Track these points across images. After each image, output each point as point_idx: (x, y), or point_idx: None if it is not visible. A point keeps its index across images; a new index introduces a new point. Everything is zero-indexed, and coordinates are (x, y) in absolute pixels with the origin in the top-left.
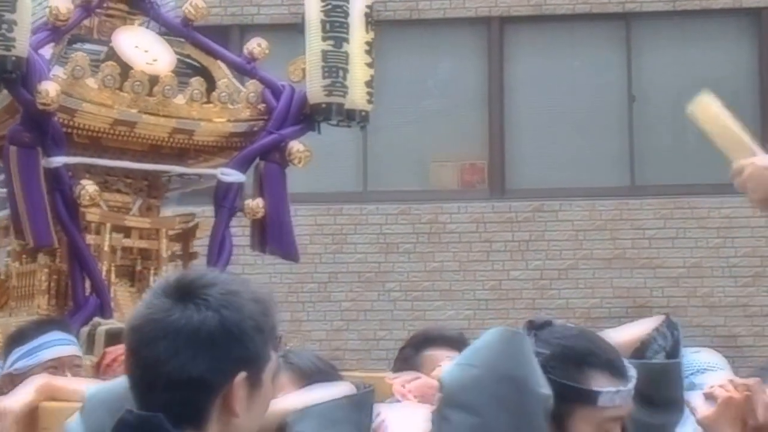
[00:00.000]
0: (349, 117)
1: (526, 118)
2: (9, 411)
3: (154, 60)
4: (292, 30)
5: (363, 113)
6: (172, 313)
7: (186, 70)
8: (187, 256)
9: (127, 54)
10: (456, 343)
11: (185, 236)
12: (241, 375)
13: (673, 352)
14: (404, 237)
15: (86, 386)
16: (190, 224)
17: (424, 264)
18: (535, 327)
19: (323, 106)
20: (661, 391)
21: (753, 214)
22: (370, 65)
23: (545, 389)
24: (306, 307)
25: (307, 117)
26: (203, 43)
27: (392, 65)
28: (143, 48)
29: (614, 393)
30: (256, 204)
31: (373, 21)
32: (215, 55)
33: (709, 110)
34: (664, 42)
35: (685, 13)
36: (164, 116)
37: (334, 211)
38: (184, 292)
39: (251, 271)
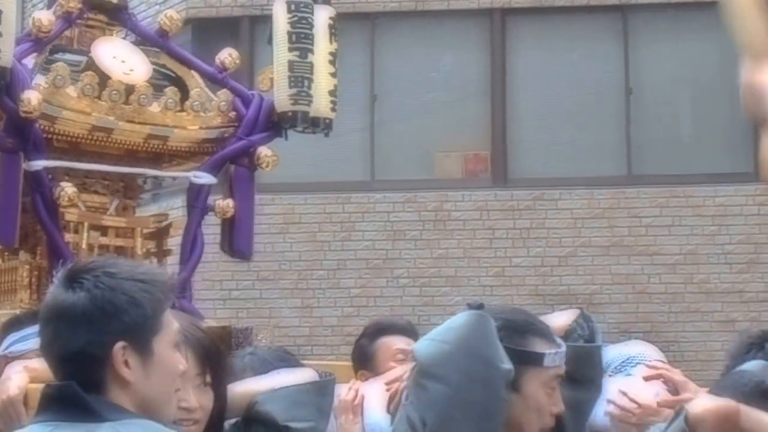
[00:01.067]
0: (314, 124)
1: (528, 109)
2: (14, 398)
3: (131, 70)
4: None
5: (327, 121)
6: (56, 297)
7: (161, 79)
8: (161, 253)
9: (105, 64)
10: (406, 331)
11: (159, 234)
12: (119, 344)
13: (591, 339)
14: (411, 224)
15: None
16: (164, 223)
17: (430, 251)
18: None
19: (290, 114)
20: (583, 371)
21: (746, 203)
22: (333, 75)
23: (507, 364)
24: (316, 293)
25: (275, 124)
26: (178, 53)
27: (397, 57)
28: (120, 58)
29: (554, 354)
30: (226, 204)
31: (336, 32)
32: (189, 65)
33: None
34: (659, 35)
35: (680, 5)
36: (140, 123)
37: (342, 200)
38: (69, 279)
39: (261, 258)
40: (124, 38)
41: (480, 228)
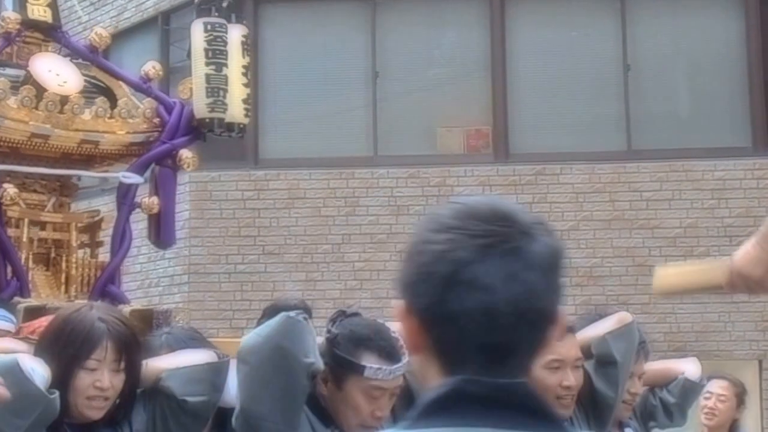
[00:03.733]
0: (229, 129)
1: (528, 85)
2: None
3: (65, 82)
4: (307, 2)
5: (241, 125)
6: (526, 241)
7: (92, 89)
8: (94, 244)
9: (42, 77)
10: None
11: (92, 228)
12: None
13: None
14: (414, 200)
15: (5, 344)
16: (96, 218)
17: None
18: (345, 315)
19: (207, 120)
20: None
21: (745, 177)
22: (246, 85)
23: (309, 359)
24: (320, 267)
25: (195, 129)
26: (106, 66)
27: (398, 35)
28: (55, 72)
29: (377, 369)
30: (152, 201)
31: (248, 48)
32: (116, 77)
33: (668, 276)
34: (656, 13)
35: None
36: (73, 130)
37: (346, 175)
38: (508, 218)
39: (267, 233)
40: (58, 53)
41: None
